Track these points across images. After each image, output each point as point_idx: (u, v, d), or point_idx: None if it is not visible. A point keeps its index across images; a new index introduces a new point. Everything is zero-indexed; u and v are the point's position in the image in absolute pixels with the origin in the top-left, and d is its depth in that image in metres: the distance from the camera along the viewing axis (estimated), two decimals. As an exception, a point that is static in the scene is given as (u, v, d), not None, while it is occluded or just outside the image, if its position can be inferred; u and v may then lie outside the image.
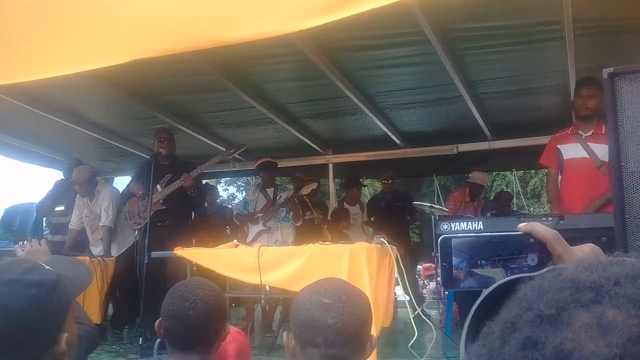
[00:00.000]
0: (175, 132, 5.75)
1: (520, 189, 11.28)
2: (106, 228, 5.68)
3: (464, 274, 0.79)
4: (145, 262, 4.49)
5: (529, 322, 0.41)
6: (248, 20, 2.89)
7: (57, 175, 7.05)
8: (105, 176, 8.03)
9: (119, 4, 3.20)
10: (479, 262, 0.78)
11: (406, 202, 7.17)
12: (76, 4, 3.33)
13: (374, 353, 1.98)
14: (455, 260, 0.79)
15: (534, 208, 17.24)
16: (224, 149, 5.93)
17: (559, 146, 4.13)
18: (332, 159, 7.34)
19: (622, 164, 1.95)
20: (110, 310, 5.67)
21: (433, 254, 5.90)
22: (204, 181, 6.32)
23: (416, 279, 8.44)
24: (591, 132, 3.96)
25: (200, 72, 4.73)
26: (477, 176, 7.09)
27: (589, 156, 3.92)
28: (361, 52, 4.49)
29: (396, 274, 3.90)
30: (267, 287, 4.07)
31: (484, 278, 0.78)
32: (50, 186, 6.53)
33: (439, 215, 5.82)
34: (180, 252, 4.17)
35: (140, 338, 4.29)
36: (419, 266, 9.93)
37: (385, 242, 3.90)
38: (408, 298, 3.79)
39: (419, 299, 6.93)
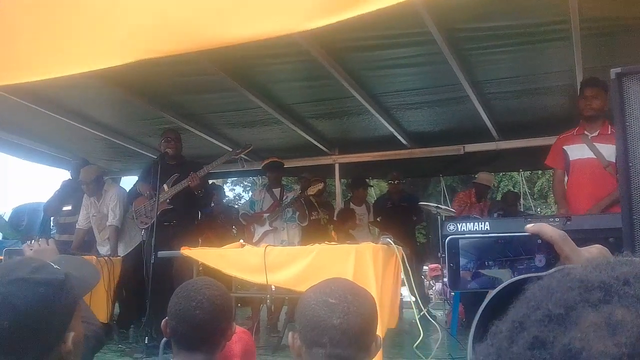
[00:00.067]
0: (182, 132, 5.77)
1: (527, 190, 11.24)
2: (113, 228, 5.70)
3: (471, 274, 0.78)
4: (152, 261, 4.51)
5: (538, 322, 0.41)
6: (253, 20, 2.89)
7: (64, 175, 7.09)
8: (113, 176, 8.06)
9: (123, 3, 3.21)
10: (486, 263, 0.78)
11: (412, 203, 7.16)
12: (79, 4, 3.34)
13: (380, 353, 1.98)
14: (462, 261, 0.79)
15: (541, 209, 17.18)
16: (231, 149, 5.94)
17: (564, 147, 4.12)
18: (339, 159, 7.34)
19: (630, 164, 1.94)
20: (117, 309, 5.69)
21: (439, 254, 5.88)
22: (210, 181, 6.33)
23: (422, 279, 8.42)
24: (597, 132, 3.96)
25: (207, 73, 4.74)
26: (483, 177, 7.07)
27: (595, 156, 3.91)
28: (367, 52, 4.49)
29: (402, 275, 3.89)
30: (272, 287, 4.07)
31: (491, 279, 0.77)
32: (57, 186, 6.57)
33: (445, 216, 5.80)
34: (187, 251, 4.18)
35: (146, 337, 4.30)
36: (425, 267, 9.91)
37: (392, 242, 3.90)
38: (414, 299, 3.79)
39: (425, 299, 6.92)
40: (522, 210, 8.57)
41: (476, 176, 7.21)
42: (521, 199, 9.16)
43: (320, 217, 6.61)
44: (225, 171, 8.32)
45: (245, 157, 6.30)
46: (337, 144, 7.23)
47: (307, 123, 6.37)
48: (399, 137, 6.61)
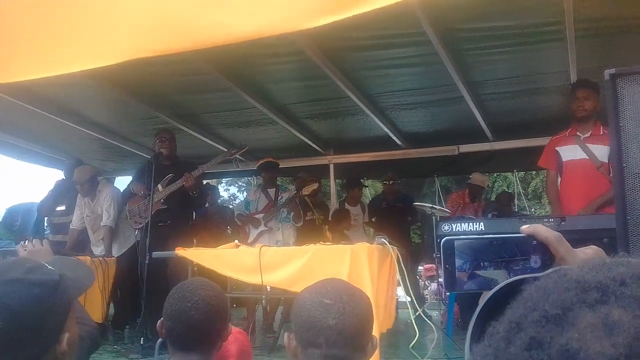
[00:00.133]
0: (177, 132, 5.75)
1: (521, 190, 11.28)
2: (107, 228, 5.69)
3: (467, 276, 0.79)
4: (147, 262, 4.49)
5: (535, 323, 0.41)
6: (249, 20, 2.89)
7: (58, 175, 7.07)
8: (107, 176, 8.04)
9: (119, 3, 3.20)
10: (481, 264, 0.78)
11: (407, 203, 7.17)
12: (76, 3, 3.33)
13: (377, 354, 1.98)
14: (458, 262, 0.79)
15: (535, 209, 17.24)
16: (226, 149, 5.93)
17: (557, 148, 4.16)
18: (333, 160, 7.34)
19: (624, 165, 1.96)
20: (112, 310, 5.67)
21: (434, 254, 5.90)
22: (204, 181, 6.32)
23: (417, 279, 8.44)
24: (589, 133, 4.00)
25: (202, 72, 4.73)
26: (476, 177, 7.10)
27: (588, 157, 3.95)
28: (362, 53, 4.49)
29: (397, 275, 3.90)
30: (268, 287, 4.07)
31: (487, 280, 0.78)
32: (51, 186, 6.55)
33: (440, 216, 5.82)
34: (182, 252, 4.17)
35: (142, 338, 4.29)
36: (420, 267, 9.93)
37: (387, 242, 3.90)
38: (409, 299, 3.79)
39: (420, 299, 6.93)
40: (516, 210, 8.61)
41: (470, 177, 7.24)
42: (515, 199, 9.20)
43: (315, 218, 6.60)
44: (220, 171, 8.31)
45: (240, 157, 6.30)
46: (332, 144, 7.23)
47: (302, 123, 6.37)
48: (394, 138, 6.62)
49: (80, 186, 5.75)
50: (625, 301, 0.40)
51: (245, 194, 13.13)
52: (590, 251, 0.74)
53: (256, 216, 5.80)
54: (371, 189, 10.78)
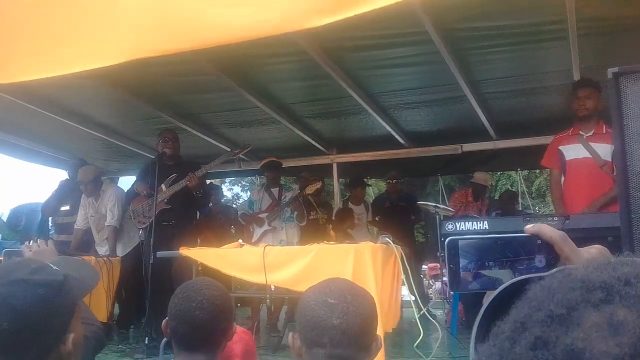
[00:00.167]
0: (180, 132, 5.76)
1: (525, 189, 11.27)
2: (111, 228, 5.70)
3: (471, 275, 0.78)
4: (151, 261, 4.50)
5: (540, 322, 0.41)
6: (250, 19, 2.89)
7: (62, 175, 7.08)
8: (110, 176, 8.06)
9: (120, 3, 3.20)
10: (486, 263, 0.78)
11: (410, 202, 7.16)
12: (76, 3, 3.33)
13: (382, 353, 1.98)
14: (462, 262, 0.78)
15: (539, 208, 17.21)
16: (229, 149, 5.94)
17: (560, 147, 4.15)
18: (336, 159, 7.34)
19: (628, 163, 1.95)
20: (116, 310, 5.69)
21: (438, 253, 5.89)
22: (207, 181, 6.33)
23: (421, 279, 8.43)
24: (592, 132, 4.00)
25: (204, 72, 4.74)
26: (479, 176, 7.08)
27: (591, 156, 3.95)
28: (364, 52, 4.49)
29: (402, 274, 3.89)
30: (272, 286, 4.07)
31: (491, 279, 0.77)
32: (55, 186, 6.56)
33: (443, 215, 5.81)
34: (186, 251, 4.18)
35: (147, 338, 4.30)
36: (424, 266, 9.90)
37: (390, 241, 3.90)
38: (413, 298, 3.79)
39: (425, 299, 6.92)
40: (520, 209, 8.59)
41: (473, 176, 7.22)
42: (519, 198, 9.18)
43: (318, 217, 6.61)
44: (223, 171, 8.32)
45: (244, 156, 6.32)
46: (335, 144, 7.23)
47: (304, 123, 6.37)
48: (397, 137, 6.62)
49: (85, 186, 5.77)
50: (630, 301, 0.40)
51: (248, 193, 13.15)
52: (594, 250, 0.74)
53: (260, 215, 5.81)
54: (374, 188, 10.76)
